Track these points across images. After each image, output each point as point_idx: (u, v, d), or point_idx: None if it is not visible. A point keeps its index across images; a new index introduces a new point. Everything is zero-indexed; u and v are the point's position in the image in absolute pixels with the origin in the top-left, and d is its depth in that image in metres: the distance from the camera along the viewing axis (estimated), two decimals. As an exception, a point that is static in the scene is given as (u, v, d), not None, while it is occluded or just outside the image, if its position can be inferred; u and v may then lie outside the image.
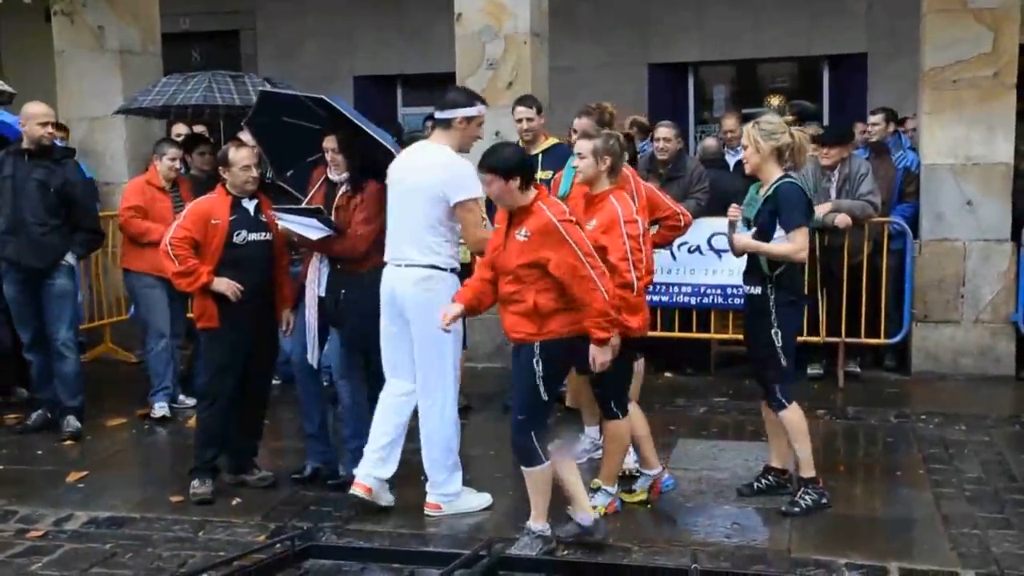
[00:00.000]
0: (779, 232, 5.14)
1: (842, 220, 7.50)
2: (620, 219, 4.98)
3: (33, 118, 6.55)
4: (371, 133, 5.39)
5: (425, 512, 5.27)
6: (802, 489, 5.27)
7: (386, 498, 5.30)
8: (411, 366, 5.23)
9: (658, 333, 7.96)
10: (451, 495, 5.31)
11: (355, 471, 5.30)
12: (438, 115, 5.27)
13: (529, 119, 6.82)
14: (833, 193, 7.64)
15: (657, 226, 5.72)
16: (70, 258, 6.67)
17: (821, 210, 7.56)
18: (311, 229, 5.38)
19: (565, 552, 4.74)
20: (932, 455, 6.14)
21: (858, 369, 7.97)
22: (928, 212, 7.99)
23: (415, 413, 5.31)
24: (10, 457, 6.37)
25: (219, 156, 5.75)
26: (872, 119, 8.49)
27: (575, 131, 5.93)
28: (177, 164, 7.33)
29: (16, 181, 6.54)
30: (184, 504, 5.48)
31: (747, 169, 5.36)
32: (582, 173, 5.16)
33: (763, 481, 5.51)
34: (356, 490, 5.22)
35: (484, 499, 5.39)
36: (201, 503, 5.45)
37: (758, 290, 5.22)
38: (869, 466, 6.14)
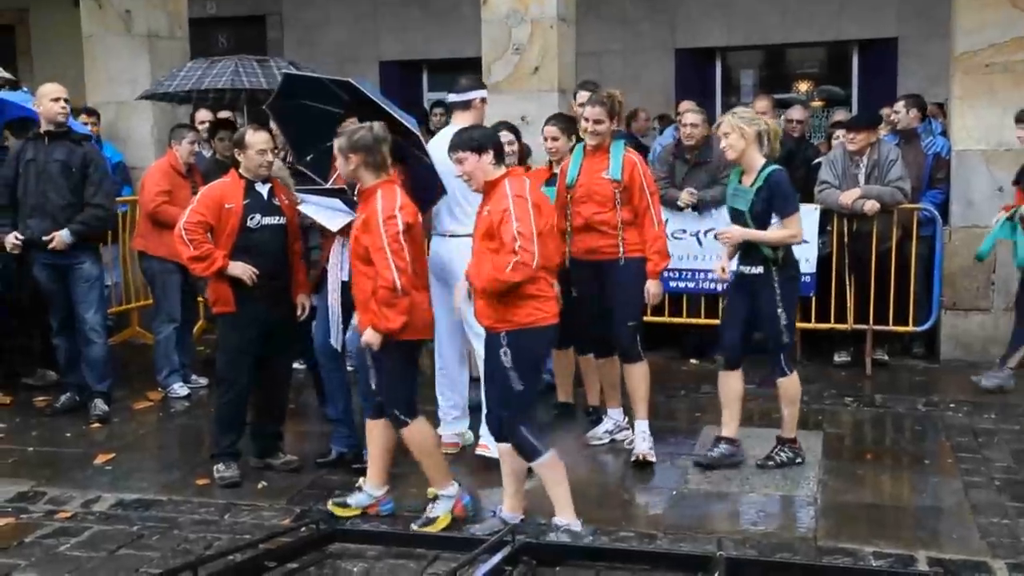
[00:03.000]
0: (774, 219, 5.48)
1: (871, 206, 7.43)
2: (379, 216, 4.70)
3: (45, 96, 6.62)
4: (396, 116, 5.39)
5: (476, 451, 5.68)
6: (779, 447, 5.71)
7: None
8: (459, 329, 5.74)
9: (684, 320, 7.96)
10: None
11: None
12: (456, 98, 5.80)
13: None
14: (862, 179, 7.57)
15: None
16: (64, 234, 6.51)
17: (850, 196, 7.51)
18: (334, 212, 5.38)
19: (589, 538, 4.74)
20: (961, 443, 6.08)
21: (886, 357, 7.91)
22: (958, 198, 7.90)
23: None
24: (39, 439, 6.43)
25: (235, 138, 5.72)
26: (895, 106, 8.39)
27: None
28: (196, 147, 7.38)
29: (38, 164, 6.59)
30: (210, 487, 5.51)
31: (730, 155, 5.56)
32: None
33: (717, 450, 5.75)
34: (480, 450, 5.65)
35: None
36: (229, 486, 5.48)
37: (759, 270, 5.53)
38: (897, 454, 6.09)
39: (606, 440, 6.07)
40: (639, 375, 5.80)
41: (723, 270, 5.82)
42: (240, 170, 5.55)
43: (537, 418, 4.82)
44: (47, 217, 6.58)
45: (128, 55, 9.34)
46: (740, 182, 5.58)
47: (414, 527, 4.88)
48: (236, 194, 5.48)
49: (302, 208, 5.57)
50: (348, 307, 5.51)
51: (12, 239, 6.60)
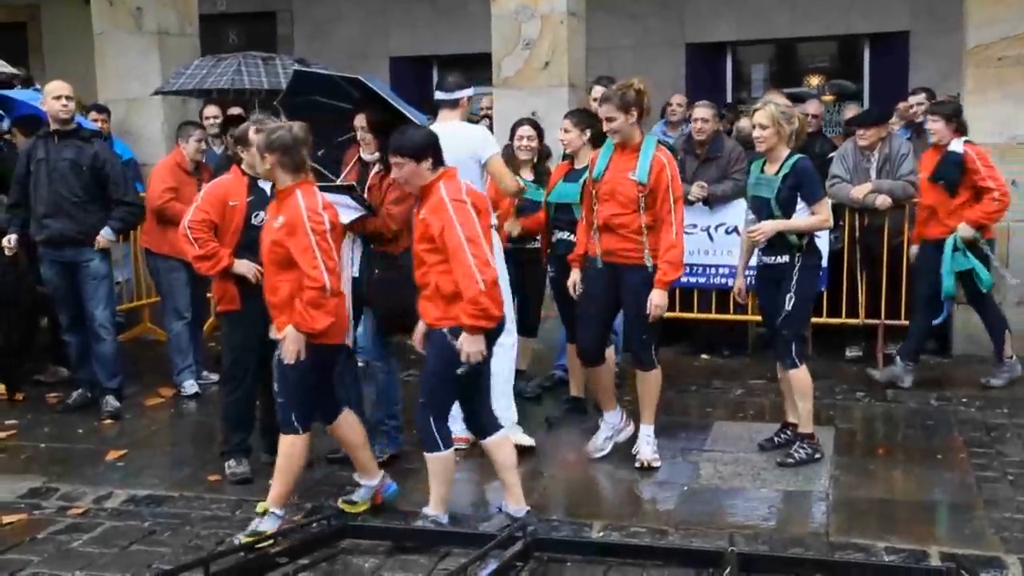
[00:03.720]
0: (799, 205, 5.47)
1: (882, 201, 7.40)
2: (303, 216, 4.60)
3: (48, 94, 6.67)
4: (406, 112, 5.39)
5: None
6: (798, 443, 5.70)
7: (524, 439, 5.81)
8: None
9: (695, 315, 7.94)
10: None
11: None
12: (445, 96, 5.83)
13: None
14: (873, 174, 7.53)
15: None
16: (107, 232, 6.66)
17: (861, 191, 7.48)
18: (343, 208, 5.38)
19: (601, 533, 4.74)
20: (973, 438, 6.06)
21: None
22: (970, 192, 7.85)
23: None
24: (51, 436, 6.45)
25: (237, 135, 5.68)
26: (914, 99, 8.35)
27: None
28: (203, 145, 7.40)
29: (49, 163, 6.61)
30: (221, 483, 5.52)
31: (761, 147, 5.55)
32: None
33: (782, 436, 5.85)
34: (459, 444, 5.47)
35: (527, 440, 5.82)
36: (240, 482, 5.49)
37: (784, 259, 5.54)
38: (909, 449, 6.06)
39: (608, 448, 5.84)
40: (651, 381, 5.66)
41: (739, 292, 5.87)
42: (243, 167, 5.54)
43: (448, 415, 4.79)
44: (64, 216, 6.61)
45: (138, 52, 9.37)
46: (762, 171, 5.55)
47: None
48: (240, 191, 5.46)
49: None
50: (358, 303, 5.52)
51: (6, 242, 6.66)
